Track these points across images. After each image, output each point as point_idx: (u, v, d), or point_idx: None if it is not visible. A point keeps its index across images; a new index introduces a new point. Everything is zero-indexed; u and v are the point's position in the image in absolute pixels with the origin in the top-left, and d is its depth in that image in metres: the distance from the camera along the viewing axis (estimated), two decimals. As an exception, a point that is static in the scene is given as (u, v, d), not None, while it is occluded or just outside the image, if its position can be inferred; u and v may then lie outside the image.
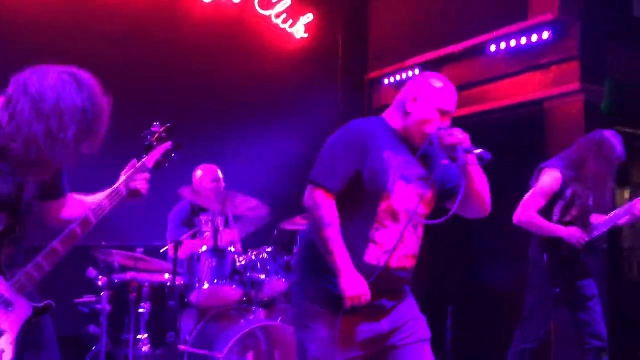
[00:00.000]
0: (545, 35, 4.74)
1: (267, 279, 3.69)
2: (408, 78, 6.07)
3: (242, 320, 3.57)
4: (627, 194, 6.10)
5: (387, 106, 7.07)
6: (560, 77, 4.84)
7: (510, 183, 3.88)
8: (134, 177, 2.14)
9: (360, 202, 2.16)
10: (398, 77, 6.22)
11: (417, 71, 5.98)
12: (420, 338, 2.23)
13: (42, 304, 1.97)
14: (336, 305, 2.11)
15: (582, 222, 3.64)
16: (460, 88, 5.64)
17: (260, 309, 3.69)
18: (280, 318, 3.78)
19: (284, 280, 3.77)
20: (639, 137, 6.31)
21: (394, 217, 2.17)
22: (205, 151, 5.28)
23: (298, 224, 4.16)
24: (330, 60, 6.56)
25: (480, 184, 2.19)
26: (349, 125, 2.26)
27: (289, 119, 5.99)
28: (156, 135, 2.26)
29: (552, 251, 3.61)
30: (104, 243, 3.51)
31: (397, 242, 2.17)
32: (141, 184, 2.15)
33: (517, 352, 3.73)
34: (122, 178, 2.15)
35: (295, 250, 4.36)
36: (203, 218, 4.16)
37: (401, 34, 6.35)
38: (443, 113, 2.19)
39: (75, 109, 1.86)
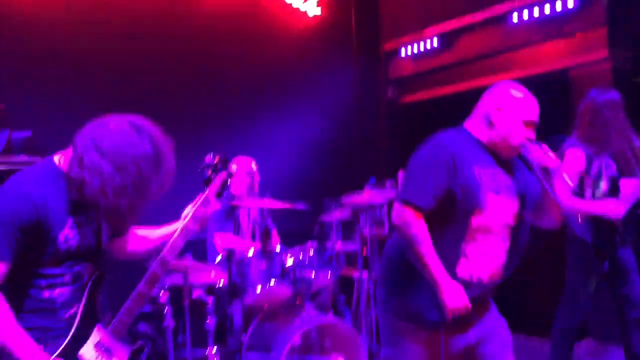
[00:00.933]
0: (570, 3, 4.67)
1: (315, 274, 3.80)
2: (426, 49, 6.02)
3: (296, 320, 3.69)
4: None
5: (404, 77, 7.08)
6: (586, 44, 4.80)
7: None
8: (199, 212, 2.21)
9: (452, 217, 2.19)
10: (415, 48, 6.15)
11: (435, 41, 5.92)
12: (504, 343, 2.33)
13: (137, 346, 2.09)
14: (423, 322, 2.19)
15: (614, 192, 3.70)
16: (482, 57, 5.64)
17: (310, 304, 3.80)
18: (330, 313, 3.91)
19: (329, 273, 3.88)
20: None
21: (486, 230, 2.21)
22: (224, 136, 5.34)
23: (335, 215, 4.24)
24: (345, 35, 6.50)
25: (554, 204, 2.25)
26: (435, 142, 2.29)
27: (307, 98, 5.99)
28: (212, 167, 2.33)
29: (594, 229, 3.68)
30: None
31: (488, 254, 2.23)
32: (206, 213, 2.22)
33: (563, 329, 3.84)
34: (189, 214, 2.21)
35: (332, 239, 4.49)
36: (244, 215, 4.25)
37: (416, 3, 6.25)
38: (527, 124, 2.23)
39: (147, 157, 1.94)
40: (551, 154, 2.19)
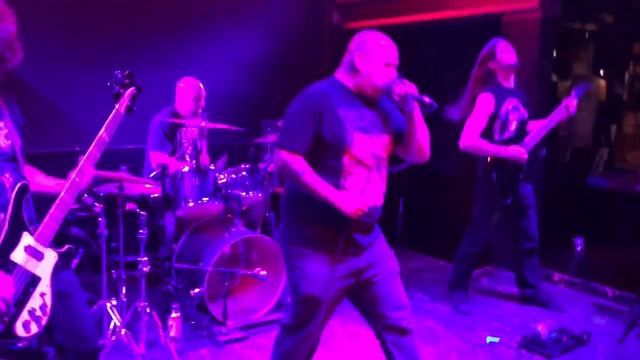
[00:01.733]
0: (510, -51, 4.82)
1: (246, 194, 4.03)
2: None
3: (225, 233, 3.95)
4: (567, 85, 6.63)
5: (350, 4, 7.07)
6: (521, -8, 5.01)
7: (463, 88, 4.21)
8: (112, 124, 2.37)
9: (326, 157, 2.45)
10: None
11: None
12: (392, 272, 2.63)
13: (64, 249, 2.27)
14: (319, 245, 2.48)
15: (521, 134, 4.08)
16: (423, -8, 5.76)
17: (239, 220, 4.06)
18: (258, 229, 4.17)
19: (260, 194, 4.13)
20: (581, 31, 6.70)
21: (359, 164, 2.47)
22: (165, 55, 5.33)
23: (270, 138, 4.44)
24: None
25: (421, 132, 2.51)
26: (304, 91, 2.50)
27: (250, 19, 5.95)
28: (120, 83, 2.46)
29: (500, 167, 4.07)
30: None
31: (365, 185, 2.49)
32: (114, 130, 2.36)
33: (465, 252, 4.33)
34: (101, 129, 2.34)
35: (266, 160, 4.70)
36: (183, 134, 4.37)
37: None
38: (389, 65, 2.48)
39: None
40: (406, 81, 2.44)
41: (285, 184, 2.65)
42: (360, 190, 2.49)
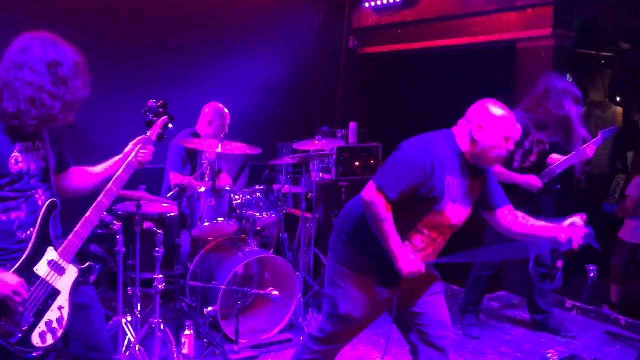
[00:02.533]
0: (524, -22, 4.91)
1: (260, 215, 4.12)
2: (389, 3, 6.18)
3: (239, 253, 4.03)
4: (584, 110, 6.65)
5: (366, 28, 7.24)
6: (534, 20, 5.09)
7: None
8: (142, 150, 2.48)
9: (411, 208, 2.49)
10: (379, 1, 6.30)
11: (398, -3, 6.09)
12: (435, 291, 2.70)
13: (85, 266, 2.37)
14: (367, 272, 2.57)
15: (540, 166, 4.11)
16: (440, 19, 5.88)
17: (253, 240, 4.14)
18: (272, 250, 4.23)
19: (274, 215, 4.21)
20: (597, 57, 6.74)
21: (434, 227, 2.55)
22: (186, 76, 5.48)
23: (285, 160, 4.53)
24: (310, -17, 6.57)
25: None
26: (423, 143, 2.52)
27: (269, 43, 6.11)
28: (154, 112, 2.57)
29: (511, 194, 4.08)
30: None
31: (428, 245, 2.59)
32: (147, 156, 2.50)
33: (476, 277, 4.36)
34: (132, 152, 2.47)
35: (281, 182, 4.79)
36: (202, 156, 4.49)
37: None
38: (507, 139, 2.49)
39: (49, 63, 2.18)
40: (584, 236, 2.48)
41: (350, 206, 2.70)
42: (422, 248, 2.58)
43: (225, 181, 4.53)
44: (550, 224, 2.57)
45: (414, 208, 2.50)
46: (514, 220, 2.69)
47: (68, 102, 2.21)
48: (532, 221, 2.68)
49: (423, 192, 2.45)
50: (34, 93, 2.14)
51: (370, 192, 2.47)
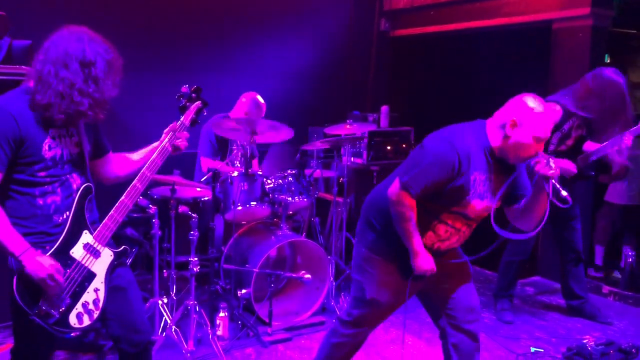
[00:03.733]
0: (561, -43, 4.77)
1: (292, 199, 4.14)
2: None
3: (271, 237, 4.07)
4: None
5: (398, 10, 7.20)
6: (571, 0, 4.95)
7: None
8: (176, 135, 2.51)
9: (435, 201, 2.48)
10: (411, -17, 6.23)
11: (430, -21, 6.00)
12: (465, 276, 2.71)
13: (120, 249, 2.43)
14: (393, 258, 2.57)
15: (576, 151, 4.03)
16: (471, 0, 5.77)
17: (285, 224, 4.18)
18: (304, 234, 4.25)
19: (306, 199, 4.23)
20: (637, 37, 6.52)
21: (457, 218, 2.54)
22: (219, 62, 5.52)
23: (316, 145, 4.54)
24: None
25: (542, 209, 2.45)
26: (450, 139, 2.44)
27: (300, 26, 6.10)
28: (187, 97, 2.60)
29: (544, 178, 4.03)
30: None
31: (452, 235, 2.58)
32: (182, 141, 2.53)
33: (507, 261, 4.31)
34: (166, 137, 2.51)
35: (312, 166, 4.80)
36: (233, 141, 4.53)
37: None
38: (538, 140, 2.41)
39: (83, 61, 2.22)
40: (552, 164, 2.37)
41: (377, 193, 2.70)
42: (446, 238, 2.58)
43: (255, 168, 4.57)
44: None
45: (439, 201, 2.48)
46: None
47: (97, 99, 2.25)
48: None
49: (448, 188, 2.43)
50: (65, 89, 2.19)
51: (395, 190, 2.47)
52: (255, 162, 4.74)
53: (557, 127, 3.93)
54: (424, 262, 2.51)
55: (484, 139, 2.48)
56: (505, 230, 2.52)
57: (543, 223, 2.49)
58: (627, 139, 3.88)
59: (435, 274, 2.61)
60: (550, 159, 2.37)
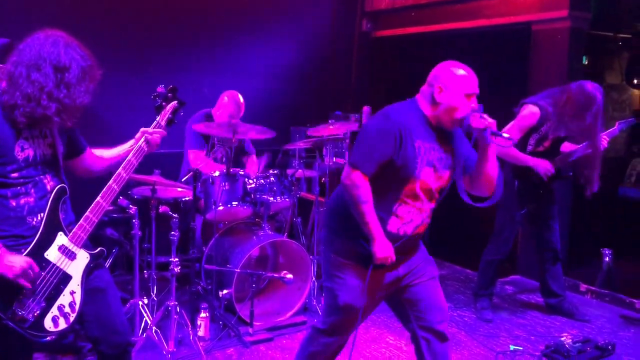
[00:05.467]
0: (540, -41, 4.83)
1: (274, 199, 4.14)
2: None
3: (253, 237, 4.06)
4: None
5: (379, 11, 7.19)
6: (550, 1, 5.02)
7: (494, 97, 4.21)
8: (151, 135, 2.50)
9: (389, 181, 2.49)
10: (392, -16, 6.26)
11: (411, -20, 6.03)
12: (430, 276, 2.71)
13: (96, 251, 2.40)
14: (361, 260, 2.55)
15: (553, 151, 4.09)
16: (452, 2, 5.81)
17: (267, 224, 4.17)
18: (286, 234, 4.25)
19: (288, 199, 4.24)
20: (614, 39, 6.64)
21: (415, 196, 2.54)
22: (197, 61, 5.49)
23: (298, 145, 4.54)
24: (324, -35, 6.52)
25: (492, 167, 2.51)
26: (387, 114, 2.51)
27: (282, 26, 6.09)
28: (163, 97, 2.59)
29: (522, 178, 4.10)
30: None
31: (415, 215, 2.56)
32: (156, 140, 2.51)
33: (487, 260, 4.36)
34: (142, 137, 2.49)
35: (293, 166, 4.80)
36: (216, 139, 4.53)
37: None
38: (469, 96, 2.47)
39: (56, 66, 2.19)
40: (486, 116, 2.43)
41: (334, 197, 2.69)
42: (410, 219, 2.57)
43: (251, 167, 4.58)
44: None
45: (392, 179, 2.50)
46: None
47: (66, 105, 2.21)
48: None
49: (396, 160, 2.45)
50: (34, 91, 2.16)
51: (347, 173, 2.49)
52: (252, 158, 4.75)
53: (534, 129, 4.00)
54: (382, 249, 2.49)
55: (419, 110, 2.55)
56: (468, 198, 2.56)
57: (501, 187, 2.55)
58: (604, 141, 3.96)
59: (400, 275, 2.62)
60: (482, 114, 2.43)
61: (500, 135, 2.43)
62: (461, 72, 2.49)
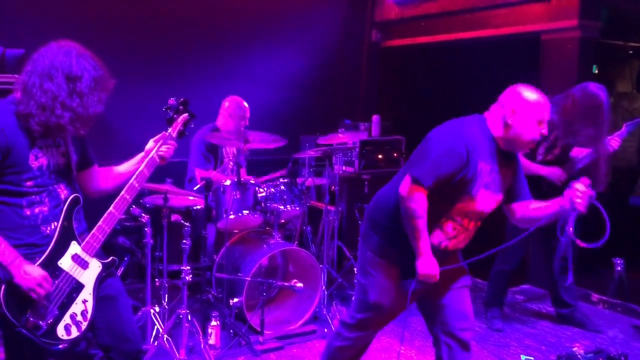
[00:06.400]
0: (549, -31, 4.85)
1: (284, 207, 4.16)
2: (412, -3, 6.16)
3: (263, 245, 4.08)
4: (611, 102, 6.53)
5: (389, 22, 7.22)
6: (560, 11, 5.03)
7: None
8: (163, 146, 2.54)
9: (443, 196, 2.50)
10: (401, -6, 6.29)
11: (421, -9, 6.07)
12: (462, 284, 2.72)
13: (108, 260, 2.43)
14: (397, 262, 2.58)
15: (563, 159, 4.08)
16: (463, 11, 5.84)
17: (278, 233, 4.19)
18: (296, 242, 4.26)
19: (298, 207, 4.25)
20: (624, 48, 6.62)
21: (465, 214, 2.56)
22: (207, 71, 5.54)
23: (308, 153, 4.57)
24: (333, -25, 6.58)
25: (546, 220, 2.59)
26: (458, 130, 2.51)
27: (292, 36, 6.13)
28: (175, 109, 2.63)
29: (533, 187, 4.06)
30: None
31: (460, 232, 2.60)
32: (169, 151, 2.56)
33: (498, 270, 4.35)
34: (154, 149, 2.53)
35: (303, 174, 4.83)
36: (225, 151, 4.56)
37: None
38: (540, 122, 2.49)
39: (69, 76, 2.23)
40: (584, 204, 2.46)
41: (383, 195, 2.70)
42: (454, 235, 2.59)
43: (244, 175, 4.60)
44: (551, 200, 2.58)
45: (446, 195, 2.50)
46: (525, 209, 2.70)
47: (79, 114, 2.25)
48: (534, 204, 2.67)
49: (457, 179, 2.45)
50: (48, 101, 2.20)
51: (406, 186, 2.46)
52: (243, 171, 4.75)
53: (543, 138, 3.98)
54: (428, 266, 2.50)
55: (487, 130, 2.55)
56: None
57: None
58: (614, 143, 3.93)
59: (436, 283, 2.62)
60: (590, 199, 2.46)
61: (571, 226, 2.50)
62: (535, 97, 2.49)
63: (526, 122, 2.47)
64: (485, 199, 2.55)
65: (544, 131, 2.51)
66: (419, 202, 2.44)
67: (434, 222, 2.54)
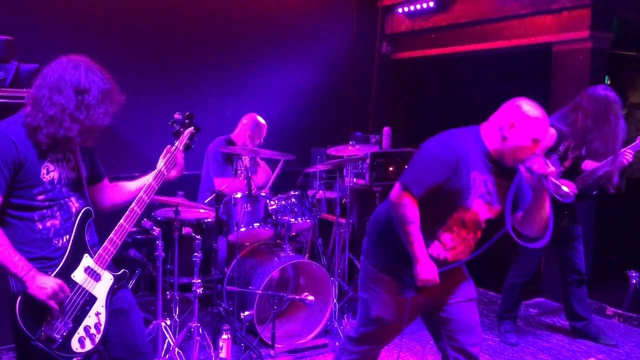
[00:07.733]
0: (559, -20, 4.85)
1: (295, 220, 4.16)
2: (422, 8, 6.18)
3: (274, 258, 4.08)
4: (623, 113, 6.48)
5: (399, 34, 7.21)
6: (571, 22, 5.01)
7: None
8: (171, 160, 2.57)
9: (438, 206, 2.49)
10: (412, 7, 6.31)
11: (431, 3, 6.08)
12: (468, 297, 2.70)
13: (119, 272, 2.44)
14: (398, 276, 2.55)
15: (575, 171, 4.04)
16: (474, 23, 5.84)
17: (288, 246, 4.18)
18: (307, 255, 4.24)
19: (309, 220, 4.25)
20: (636, 58, 6.59)
21: (463, 224, 2.55)
22: (219, 84, 5.58)
23: (319, 167, 4.57)
24: (344, -12, 6.61)
25: (544, 212, 2.49)
26: (446, 140, 2.50)
27: (303, 49, 6.17)
28: (180, 123, 2.66)
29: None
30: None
31: (459, 243, 2.58)
32: (178, 165, 2.58)
33: (511, 283, 4.31)
34: (162, 162, 2.56)
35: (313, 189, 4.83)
36: (239, 162, 4.60)
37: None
38: (536, 141, 2.44)
39: (77, 88, 2.25)
40: (550, 164, 2.41)
41: (380, 210, 2.71)
42: (452, 246, 2.58)
43: (262, 174, 4.69)
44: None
45: (441, 205, 2.49)
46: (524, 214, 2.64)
47: (86, 126, 2.27)
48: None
49: (448, 187, 2.44)
50: (57, 113, 2.22)
51: (396, 192, 2.48)
52: (263, 165, 4.86)
53: (552, 149, 3.96)
54: (426, 270, 2.48)
55: (480, 141, 2.52)
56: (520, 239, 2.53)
57: (551, 229, 2.50)
58: (628, 155, 3.89)
59: (439, 294, 2.61)
60: (547, 160, 2.40)
61: (560, 187, 2.37)
62: (535, 113, 2.44)
63: (522, 138, 2.42)
64: (482, 210, 2.52)
65: (536, 151, 2.44)
66: (409, 207, 2.44)
67: (431, 234, 2.52)
